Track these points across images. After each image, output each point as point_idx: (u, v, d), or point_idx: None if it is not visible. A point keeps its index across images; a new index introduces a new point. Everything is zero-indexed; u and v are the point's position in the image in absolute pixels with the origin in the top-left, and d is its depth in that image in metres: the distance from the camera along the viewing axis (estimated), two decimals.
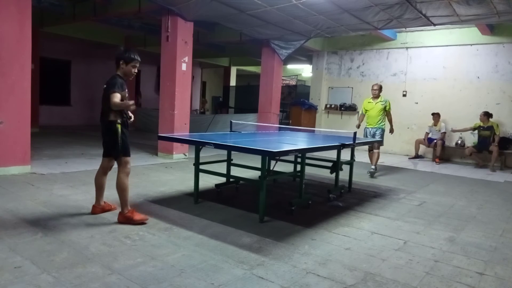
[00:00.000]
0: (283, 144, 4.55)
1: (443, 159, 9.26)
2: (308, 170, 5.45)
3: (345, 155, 5.79)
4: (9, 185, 4.49)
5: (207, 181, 5.10)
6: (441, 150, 9.00)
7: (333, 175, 4.88)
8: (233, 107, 16.84)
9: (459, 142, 9.20)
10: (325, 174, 5.56)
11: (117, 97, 3.24)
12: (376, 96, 6.68)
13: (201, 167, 4.22)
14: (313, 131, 8.55)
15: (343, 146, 4.39)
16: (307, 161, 4.85)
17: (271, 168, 4.41)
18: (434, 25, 6.95)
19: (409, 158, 9.65)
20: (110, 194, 3.84)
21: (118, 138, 3.34)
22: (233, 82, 17.52)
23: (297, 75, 17.33)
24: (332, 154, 5.11)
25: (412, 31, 9.83)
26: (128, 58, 3.40)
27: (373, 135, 6.65)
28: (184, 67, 7.24)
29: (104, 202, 3.70)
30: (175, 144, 7.17)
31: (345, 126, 10.79)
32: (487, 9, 5.80)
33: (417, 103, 10.10)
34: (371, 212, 4.23)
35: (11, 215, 3.44)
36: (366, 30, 8.23)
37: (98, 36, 11.62)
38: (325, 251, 2.99)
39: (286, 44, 9.57)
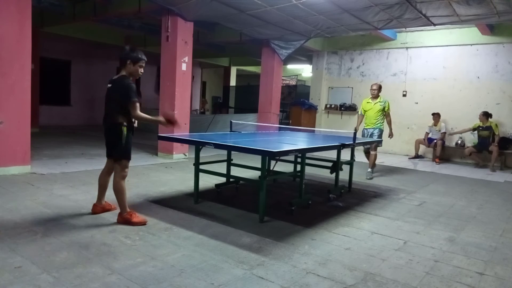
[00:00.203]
0: (283, 144, 4.55)
1: (443, 159, 9.26)
2: (308, 170, 5.45)
3: (345, 155, 5.79)
4: (9, 185, 4.49)
5: (207, 181, 5.10)
6: (441, 150, 9.00)
7: (333, 175, 4.88)
8: (233, 107, 16.84)
9: (459, 142, 9.20)
10: (325, 174, 5.56)
11: (137, 108, 3.24)
12: (375, 96, 6.54)
13: (201, 167, 4.22)
14: (313, 131, 8.55)
15: (343, 146, 4.39)
16: (307, 161, 4.84)
17: (271, 168, 4.41)
18: (434, 25, 6.94)
19: (409, 158, 9.65)
20: (110, 194, 3.83)
21: (122, 141, 3.33)
22: (233, 82, 17.51)
23: (297, 75, 17.33)
24: (332, 154, 5.11)
25: (412, 31, 9.83)
26: (135, 58, 3.34)
27: (371, 136, 6.53)
28: (184, 67, 7.24)
29: (105, 201, 3.70)
30: (175, 144, 7.18)
31: (345, 126, 10.79)
32: (487, 9, 5.80)
33: (417, 103, 10.10)
34: (371, 212, 4.23)
35: (11, 215, 3.44)
36: (366, 30, 8.23)
37: (98, 36, 11.62)
38: (325, 251, 3.00)
39: (286, 44, 9.57)
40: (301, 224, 3.63)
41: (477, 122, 8.63)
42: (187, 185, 4.99)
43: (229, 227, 3.43)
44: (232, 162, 4.85)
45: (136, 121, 3.44)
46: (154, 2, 6.58)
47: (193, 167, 4.22)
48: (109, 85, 3.39)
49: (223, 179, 4.88)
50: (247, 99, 15.41)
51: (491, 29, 8.62)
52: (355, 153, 5.68)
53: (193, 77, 13.34)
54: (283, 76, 13.07)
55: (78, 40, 11.91)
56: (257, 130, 9.89)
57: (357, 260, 2.84)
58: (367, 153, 6.69)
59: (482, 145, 8.45)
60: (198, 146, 4.09)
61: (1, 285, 2.19)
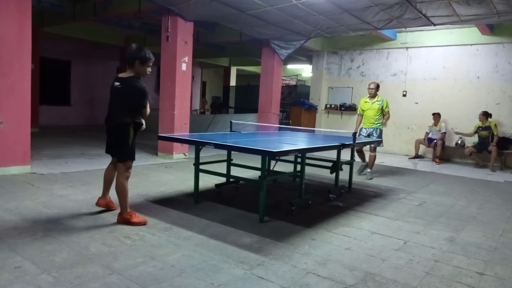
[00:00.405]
0: (283, 144, 4.55)
1: (443, 159, 9.26)
2: (308, 170, 5.45)
3: (345, 155, 5.79)
4: (9, 185, 4.49)
5: (207, 181, 5.10)
6: (441, 150, 9.00)
7: (333, 175, 4.88)
8: (233, 107, 16.82)
9: (459, 142, 9.20)
10: (325, 174, 5.56)
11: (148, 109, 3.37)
12: (372, 96, 6.37)
13: (201, 167, 4.22)
14: (313, 131, 8.55)
15: (343, 146, 4.39)
16: (307, 161, 4.85)
17: (271, 168, 4.41)
18: (434, 25, 6.94)
19: (409, 158, 9.65)
20: (112, 194, 3.84)
21: (129, 141, 3.34)
22: (233, 82, 17.51)
23: (297, 75, 17.32)
24: (332, 154, 5.11)
25: (412, 31, 9.83)
26: (144, 58, 3.30)
27: (369, 136, 6.36)
28: (184, 67, 7.24)
29: (109, 197, 3.72)
30: (175, 144, 7.18)
31: (345, 126, 10.80)
32: (487, 9, 5.80)
33: (417, 103, 10.10)
34: (371, 212, 4.23)
35: (11, 215, 3.44)
36: (366, 30, 8.23)
37: (98, 36, 11.62)
38: (325, 251, 3.00)
39: (286, 44, 9.57)
40: (301, 224, 3.63)
41: (476, 122, 8.63)
42: (187, 185, 4.99)
43: (229, 227, 3.43)
44: (232, 162, 4.85)
45: (144, 122, 3.45)
46: (154, 2, 6.58)
47: (193, 167, 4.22)
48: (117, 84, 3.32)
49: (223, 179, 4.88)
50: (247, 99, 15.40)
51: (491, 29, 8.62)
52: (355, 153, 5.68)
53: (193, 77, 13.33)
54: (283, 76, 13.07)
55: (78, 40, 11.91)
56: (257, 130, 9.88)
57: (357, 260, 2.84)
58: (359, 152, 6.50)
59: (481, 145, 8.45)
60: (198, 146, 4.09)
61: (1, 285, 2.19)
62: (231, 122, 5.56)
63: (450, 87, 9.55)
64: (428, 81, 9.90)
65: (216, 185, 4.70)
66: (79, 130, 11.93)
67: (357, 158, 6.82)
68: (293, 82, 16.72)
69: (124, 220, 3.34)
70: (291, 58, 12.68)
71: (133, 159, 3.42)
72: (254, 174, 5.25)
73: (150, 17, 8.92)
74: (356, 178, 6.02)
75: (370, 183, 6.01)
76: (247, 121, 10.28)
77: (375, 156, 6.43)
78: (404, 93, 10.27)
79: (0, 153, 5.00)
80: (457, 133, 9.03)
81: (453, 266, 2.83)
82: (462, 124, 9.21)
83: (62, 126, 12.69)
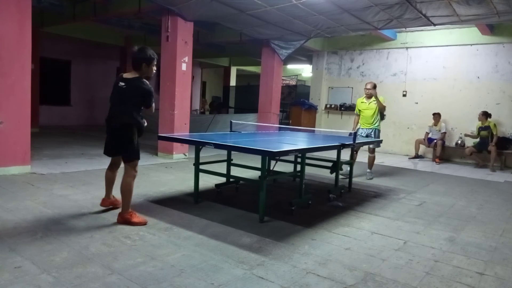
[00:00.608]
0: (283, 144, 4.55)
1: (443, 159, 9.26)
2: (308, 170, 5.45)
3: (345, 155, 5.80)
4: (9, 185, 4.49)
5: (207, 181, 5.10)
6: (441, 150, 9.00)
7: (333, 175, 4.88)
8: (233, 107, 16.80)
9: (459, 142, 9.20)
10: (325, 174, 5.56)
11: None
12: (369, 96, 6.23)
13: (201, 167, 4.22)
14: (313, 131, 8.55)
15: (343, 146, 4.39)
16: (307, 161, 4.84)
17: (271, 168, 4.41)
18: (434, 25, 6.94)
19: (409, 158, 9.65)
20: (116, 193, 3.84)
21: (134, 141, 3.36)
22: (233, 82, 17.49)
23: (297, 75, 17.32)
24: (332, 154, 5.11)
25: (412, 31, 9.83)
26: (150, 59, 3.36)
27: (367, 137, 6.24)
28: (184, 67, 7.24)
29: (113, 196, 3.73)
30: (175, 144, 7.18)
31: (345, 126, 10.78)
32: (487, 9, 5.79)
33: (417, 103, 10.10)
34: (371, 212, 4.23)
35: (11, 215, 3.43)
36: (366, 30, 8.23)
37: (98, 36, 11.62)
38: (325, 251, 3.00)
39: (286, 44, 9.57)
40: (301, 224, 3.63)
41: (476, 123, 8.62)
42: (187, 185, 4.99)
43: (229, 227, 3.43)
44: (232, 162, 4.85)
45: (145, 122, 3.49)
46: (154, 2, 6.58)
47: (193, 167, 4.22)
48: (122, 84, 3.33)
49: (223, 179, 4.88)
50: (247, 99, 15.39)
51: (491, 29, 8.62)
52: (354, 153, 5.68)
53: (193, 77, 13.32)
54: (283, 76, 13.07)
55: (78, 40, 11.91)
56: (257, 130, 9.88)
57: (357, 260, 2.84)
58: (355, 152, 6.21)
59: (481, 145, 8.44)
60: (198, 146, 4.09)
61: (1, 285, 2.19)
62: (231, 122, 5.56)
63: (450, 87, 9.55)
64: (428, 81, 9.90)
65: (216, 185, 4.70)
66: (79, 130, 11.93)
67: (363, 159, 6.83)
68: (293, 82, 16.71)
69: (124, 220, 3.34)
70: (291, 58, 12.68)
71: (138, 158, 3.45)
72: (254, 174, 5.25)
73: (150, 17, 8.92)
74: (356, 178, 6.02)
75: (370, 183, 6.01)
76: (247, 121, 10.28)
77: (374, 157, 6.39)
78: (404, 93, 10.27)
79: (0, 153, 5.00)
80: (466, 135, 8.83)
81: (453, 266, 2.83)
82: (462, 124, 9.22)
83: (62, 126, 12.69)
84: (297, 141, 5.01)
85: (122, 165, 3.55)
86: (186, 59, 7.24)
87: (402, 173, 7.17)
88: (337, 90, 11.69)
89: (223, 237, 3.16)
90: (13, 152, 5.14)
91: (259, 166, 3.64)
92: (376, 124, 6.30)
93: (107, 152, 3.56)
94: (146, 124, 3.48)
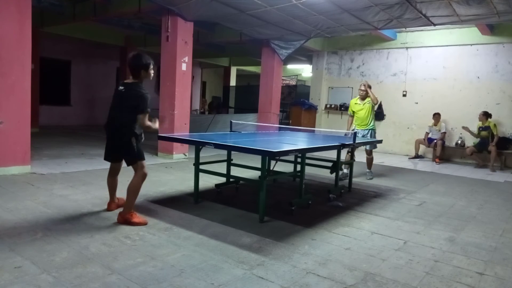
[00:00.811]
0: (283, 144, 4.55)
1: (443, 159, 9.26)
2: (308, 170, 5.45)
3: (345, 155, 5.79)
4: (9, 185, 4.49)
5: (207, 181, 5.10)
6: (441, 150, 9.00)
7: (333, 175, 4.88)
8: (233, 107, 16.79)
9: (459, 142, 9.20)
10: (325, 174, 5.56)
11: (147, 118, 3.34)
12: (363, 97, 6.16)
13: (201, 167, 4.22)
14: (313, 131, 8.55)
15: (343, 146, 4.39)
16: (307, 161, 4.84)
17: (271, 168, 4.41)
18: (434, 25, 6.94)
19: (409, 158, 9.65)
20: (121, 193, 3.84)
21: (133, 143, 3.36)
22: (233, 82, 17.49)
23: (297, 75, 17.31)
24: (332, 154, 5.11)
25: (412, 31, 9.83)
26: (147, 65, 3.41)
27: (362, 137, 6.14)
28: (184, 67, 7.24)
29: (117, 198, 3.77)
30: (175, 144, 7.18)
31: (345, 126, 10.73)
32: (487, 9, 5.79)
33: (417, 103, 10.10)
34: (371, 212, 4.23)
35: (11, 215, 3.43)
36: (366, 30, 8.23)
37: (98, 36, 11.62)
38: (325, 251, 2.99)
39: (286, 44, 9.57)
40: (301, 224, 3.63)
41: (477, 123, 8.62)
42: (187, 185, 4.99)
43: (229, 227, 3.43)
44: (232, 162, 4.85)
45: (143, 136, 3.50)
46: (154, 2, 6.58)
47: (193, 167, 4.22)
48: (121, 88, 3.41)
49: (223, 179, 4.88)
50: (247, 99, 15.37)
51: (491, 29, 8.62)
52: (355, 153, 5.68)
53: (193, 77, 13.33)
54: (283, 76, 13.07)
55: (78, 40, 11.91)
56: (257, 130, 9.88)
57: (357, 260, 2.84)
58: (349, 153, 6.11)
59: (482, 145, 8.44)
60: (198, 146, 4.09)
61: (1, 285, 2.19)
62: (231, 122, 5.56)
63: (450, 87, 9.55)
64: (428, 81, 9.90)
65: (216, 185, 4.70)
66: (79, 130, 11.93)
67: (364, 159, 6.80)
68: (293, 82, 16.70)
69: (124, 219, 3.34)
70: (291, 58, 12.68)
71: (143, 158, 3.44)
72: (254, 174, 5.25)
73: (150, 17, 8.92)
74: (356, 178, 6.02)
75: (370, 183, 6.01)
76: (247, 121, 10.28)
77: (372, 158, 6.39)
78: (404, 93, 10.27)
79: (0, 153, 5.00)
80: (464, 127, 8.68)
81: (453, 266, 2.83)
82: (462, 124, 9.20)
83: (62, 126, 12.69)
84: (297, 141, 5.01)
85: (125, 167, 3.55)
86: (186, 59, 7.24)
87: (402, 173, 7.17)
88: (337, 90, 11.69)
89: (223, 237, 3.16)
90: (13, 152, 5.14)
91: (259, 166, 3.64)
92: (371, 125, 6.26)
93: (107, 157, 3.59)
94: (143, 138, 3.48)
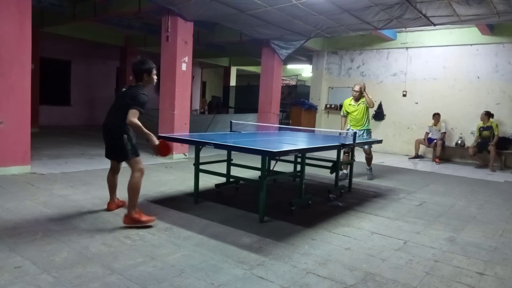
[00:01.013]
0: (283, 144, 4.55)
1: (443, 159, 9.26)
2: (308, 170, 5.45)
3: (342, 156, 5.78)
4: (9, 185, 4.49)
5: (207, 181, 5.10)
6: (441, 150, 9.00)
7: (333, 175, 4.88)
8: (233, 107, 16.78)
9: (459, 142, 9.20)
10: (325, 174, 5.56)
11: (136, 115, 3.28)
12: (357, 99, 6.13)
13: (201, 167, 4.22)
14: (313, 131, 8.55)
15: (343, 146, 4.39)
16: (307, 161, 4.84)
17: (271, 168, 4.41)
18: (434, 25, 6.94)
19: (409, 158, 9.65)
20: (122, 193, 3.84)
21: (124, 140, 3.39)
22: (233, 82, 17.49)
23: (297, 75, 17.31)
24: (332, 154, 5.11)
25: (412, 31, 9.83)
26: (149, 69, 3.48)
27: (358, 137, 6.01)
28: (184, 67, 7.24)
29: (118, 199, 3.80)
30: (175, 144, 7.16)
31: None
32: (487, 9, 5.79)
33: (417, 103, 10.10)
34: (371, 212, 4.23)
35: (11, 215, 3.44)
36: (366, 30, 8.23)
37: (98, 36, 11.62)
38: (325, 251, 2.99)
39: (286, 44, 9.57)
40: (301, 224, 3.63)
41: (477, 123, 8.62)
42: (187, 185, 4.99)
43: (229, 227, 3.43)
44: (232, 162, 4.85)
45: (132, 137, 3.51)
46: (154, 2, 6.58)
47: (193, 167, 4.22)
48: (124, 89, 3.54)
49: (223, 179, 4.88)
50: (247, 99, 15.37)
51: (491, 29, 8.62)
52: (355, 153, 5.68)
53: (193, 77, 13.33)
54: (283, 76, 13.07)
55: (78, 40, 11.91)
56: (257, 130, 9.88)
57: (357, 260, 2.84)
58: (346, 153, 5.98)
59: (482, 145, 8.44)
60: (198, 146, 4.09)
61: (1, 285, 2.19)
62: (231, 122, 5.57)
63: (450, 87, 9.55)
64: (428, 81, 9.90)
65: (216, 185, 4.70)
66: (79, 130, 11.93)
67: (357, 159, 6.78)
68: (293, 82, 16.70)
69: (133, 220, 3.28)
70: (291, 58, 12.68)
71: (137, 155, 3.46)
72: (254, 174, 5.25)
73: (150, 17, 8.92)
74: (356, 178, 6.02)
75: (370, 183, 6.01)
76: (247, 121, 10.28)
77: (371, 157, 6.38)
78: (404, 93, 10.27)
79: (0, 153, 5.00)
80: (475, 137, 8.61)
81: (453, 266, 2.83)
82: (462, 124, 9.22)
83: (62, 126, 12.69)
84: (297, 141, 5.01)
85: (126, 167, 3.55)
86: (186, 59, 7.24)
87: (402, 173, 7.17)
88: (337, 90, 11.69)
89: (223, 237, 3.16)
90: (13, 152, 5.14)
91: (259, 166, 3.64)
92: (367, 125, 6.25)
93: (107, 155, 3.64)
94: (133, 140, 3.49)
